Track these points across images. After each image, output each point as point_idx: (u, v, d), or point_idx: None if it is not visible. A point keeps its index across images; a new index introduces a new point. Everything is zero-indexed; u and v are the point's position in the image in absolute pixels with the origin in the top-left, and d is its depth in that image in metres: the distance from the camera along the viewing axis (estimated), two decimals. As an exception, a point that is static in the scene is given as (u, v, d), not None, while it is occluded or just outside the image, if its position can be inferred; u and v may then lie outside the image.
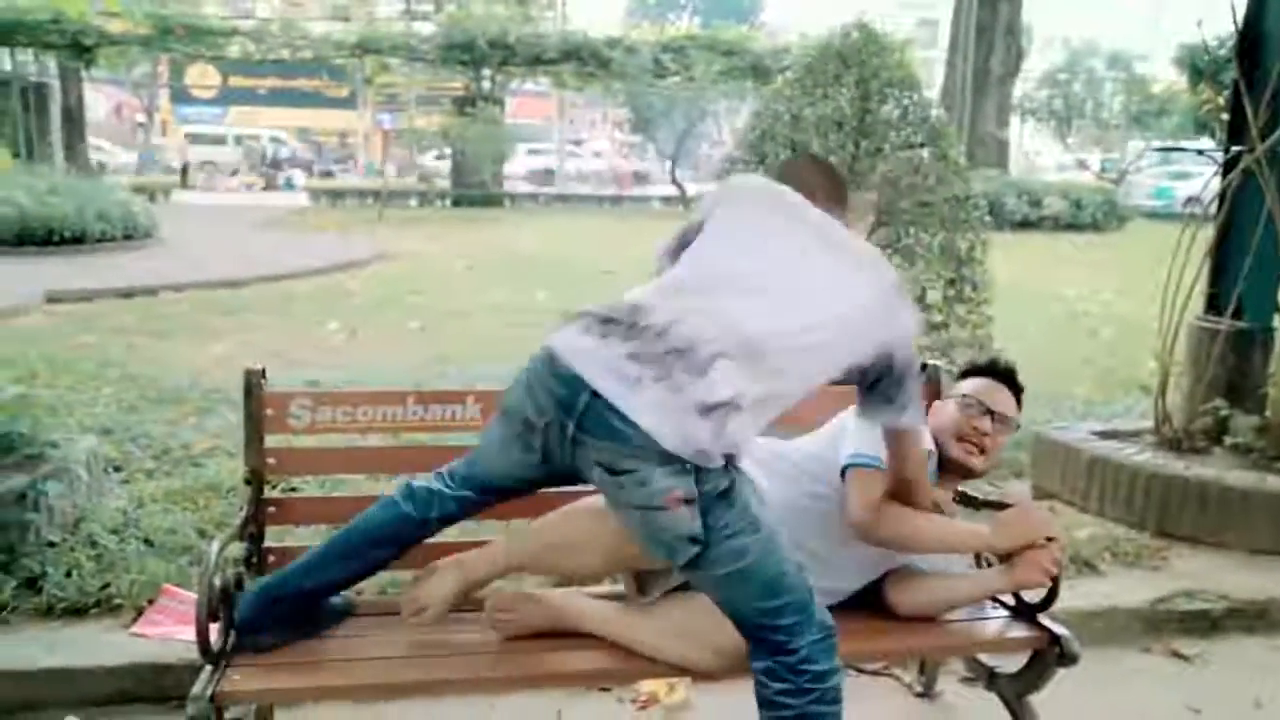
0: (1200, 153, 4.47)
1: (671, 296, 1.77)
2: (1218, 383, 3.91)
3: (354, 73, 23.79)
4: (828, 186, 2.05)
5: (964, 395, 2.27)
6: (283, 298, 8.61)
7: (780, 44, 21.75)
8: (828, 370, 1.81)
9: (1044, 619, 2.17)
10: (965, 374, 2.36)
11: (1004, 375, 2.29)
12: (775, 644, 1.71)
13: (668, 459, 1.62)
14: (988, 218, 5.12)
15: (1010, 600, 2.23)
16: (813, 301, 1.78)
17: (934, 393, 2.53)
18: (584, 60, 21.61)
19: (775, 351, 1.70)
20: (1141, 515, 3.66)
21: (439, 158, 22.64)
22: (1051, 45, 46.11)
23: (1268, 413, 3.84)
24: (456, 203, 21.90)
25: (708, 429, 1.61)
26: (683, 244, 1.96)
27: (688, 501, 1.63)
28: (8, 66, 19.85)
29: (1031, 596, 2.19)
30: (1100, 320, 7.90)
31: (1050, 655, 2.13)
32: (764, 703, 1.73)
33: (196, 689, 1.74)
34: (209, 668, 1.79)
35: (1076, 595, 3.09)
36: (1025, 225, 16.66)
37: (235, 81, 32.24)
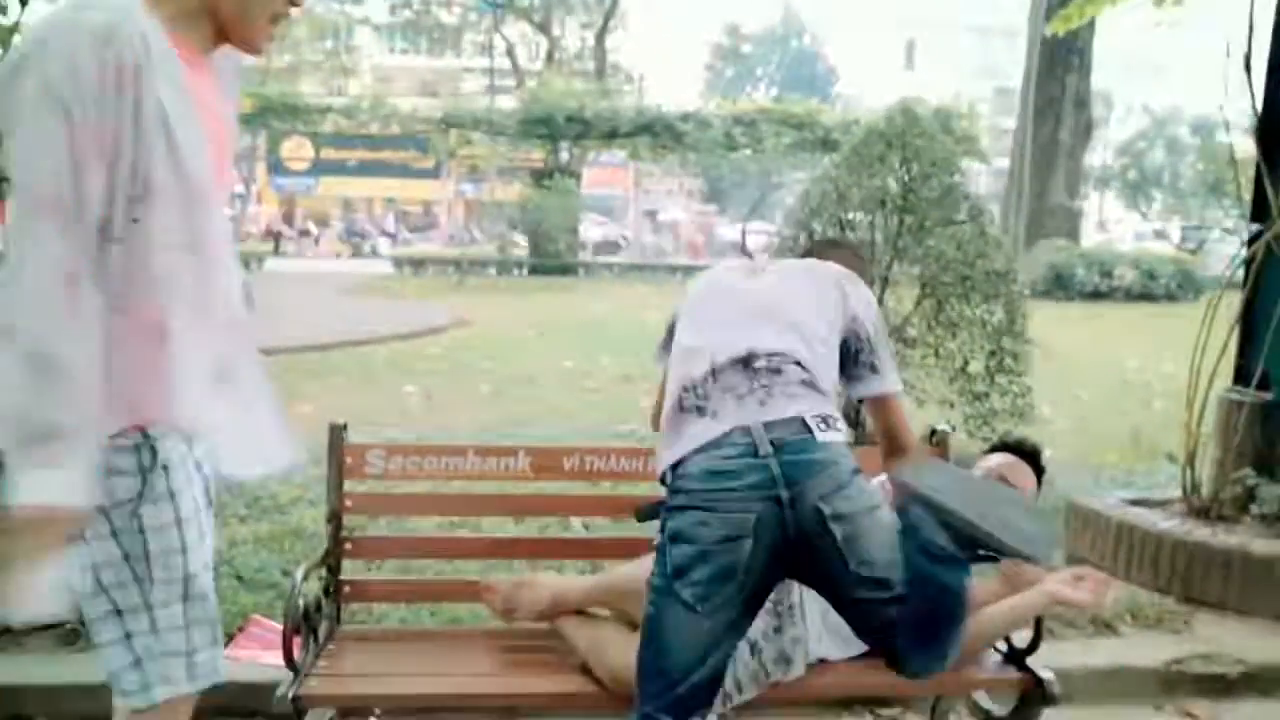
0: (1226, 231, 4.63)
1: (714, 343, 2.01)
2: (1245, 453, 4.03)
3: (438, 145, 24.84)
4: (847, 260, 2.36)
5: (985, 468, 2.51)
6: (365, 362, 9.12)
7: (850, 117, 22.19)
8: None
9: (1030, 662, 2.38)
10: (993, 449, 2.61)
11: (1028, 455, 2.52)
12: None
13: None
14: (1026, 291, 5.31)
15: (1003, 645, 2.45)
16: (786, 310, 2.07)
17: (943, 457, 2.77)
18: (658, 133, 22.34)
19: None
20: (1168, 581, 3.79)
21: (512, 226, 23.53)
22: (1132, 113, 45.81)
23: (1295, 483, 3.95)
24: (534, 271, 22.63)
25: None
26: (669, 329, 2.25)
27: None
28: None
29: (1020, 642, 2.41)
30: (1157, 392, 7.96)
31: (1035, 697, 2.33)
32: None
33: (280, 690, 2.07)
34: (291, 675, 2.12)
35: (1092, 654, 3.26)
36: (1097, 296, 16.59)
37: (327, 154, 33.79)
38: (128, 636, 1.61)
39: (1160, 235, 17.51)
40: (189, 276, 1.55)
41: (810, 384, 1.95)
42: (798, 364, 1.95)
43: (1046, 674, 2.33)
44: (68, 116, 1.38)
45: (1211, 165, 24.54)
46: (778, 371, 1.93)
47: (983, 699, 2.57)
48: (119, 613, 1.61)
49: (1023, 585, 2.31)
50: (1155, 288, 17.36)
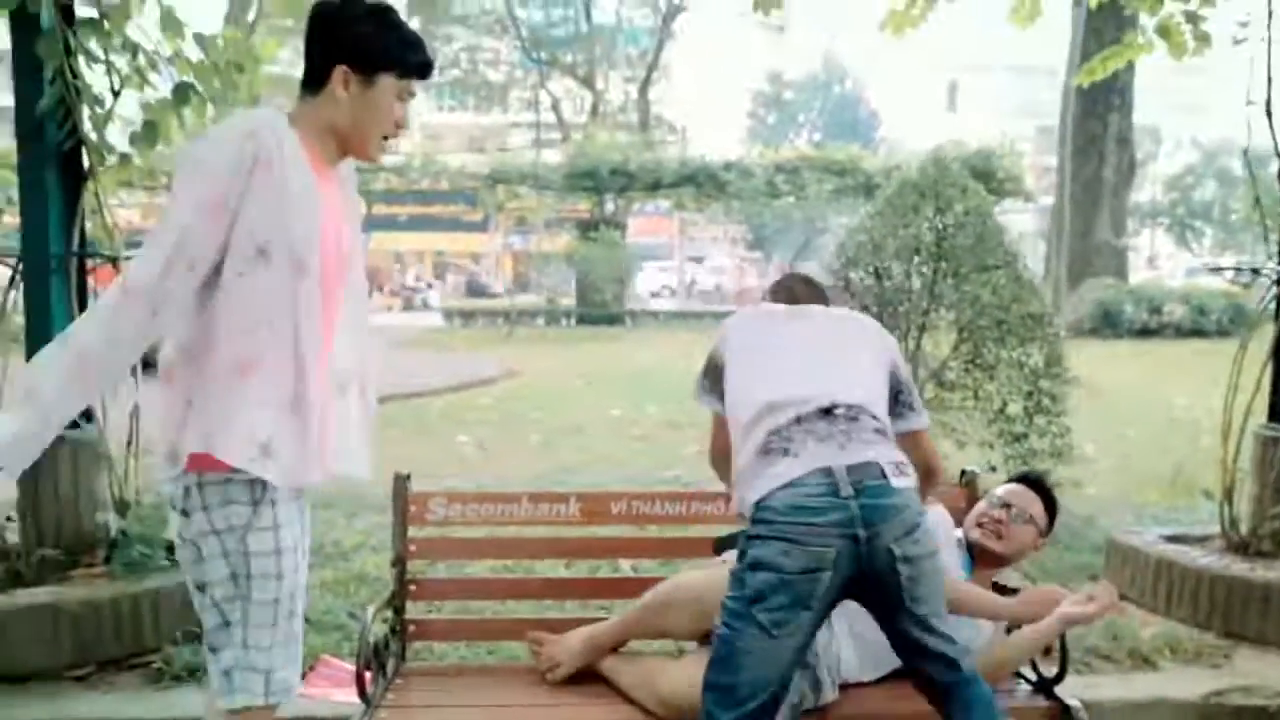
0: (1255, 272, 4.73)
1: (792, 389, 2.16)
2: (1282, 488, 4.09)
3: (487, 199, 25.39)
4: (808, 293, 2.54)
5: (991, 493, 2.71)
6: (419, 414, 9.39)
7: (892, 162, 22.33)
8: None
9: (1058, 691, 2.49)
10: (1009, 480, 2.79)
11: (1037, 486, 2.71)
12: None
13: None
14: (1063, 332, 5.40)
15: (1032, 675, 2.56)
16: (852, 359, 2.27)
17: (971, 496, 2.91)
18: (701, 184, 22.65)
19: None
20: (1207, 616, 3.84)
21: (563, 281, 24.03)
22: (1181, 147, 45.24)
23: (1334, 518, 4.00)
24: (581, 320, 22.97)
25: None
26: (712, 371, 2.37)
27: None
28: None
29: (1048, 671, 2.52)
30: (1205, 429, 7.90)
31: (1063, 725, 2.44)
32: None
33: (354, 722, 2.26)
34: (363, 707, 2.31)
35: (1131, 687, 3.34)
36: (1146, 333, 16.46)
37: (378, 210, 34.64)
38: (229, 646, 1.89)
39: (1211, 269, 17.19)
40: (291, 331, 1.83)
41: (882, 432, 2.14)
42: (873, 416, 2.15)
43: (1074, 702, 2.44)
44: (207, 184, 1.79)
45: (1265, 198, 24.19)
46: (855, 419, 2.11)
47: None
48: (227, 624, 1.89)
49: (1038, 606, 2.43)
50: (1206, 323, 17.14)
